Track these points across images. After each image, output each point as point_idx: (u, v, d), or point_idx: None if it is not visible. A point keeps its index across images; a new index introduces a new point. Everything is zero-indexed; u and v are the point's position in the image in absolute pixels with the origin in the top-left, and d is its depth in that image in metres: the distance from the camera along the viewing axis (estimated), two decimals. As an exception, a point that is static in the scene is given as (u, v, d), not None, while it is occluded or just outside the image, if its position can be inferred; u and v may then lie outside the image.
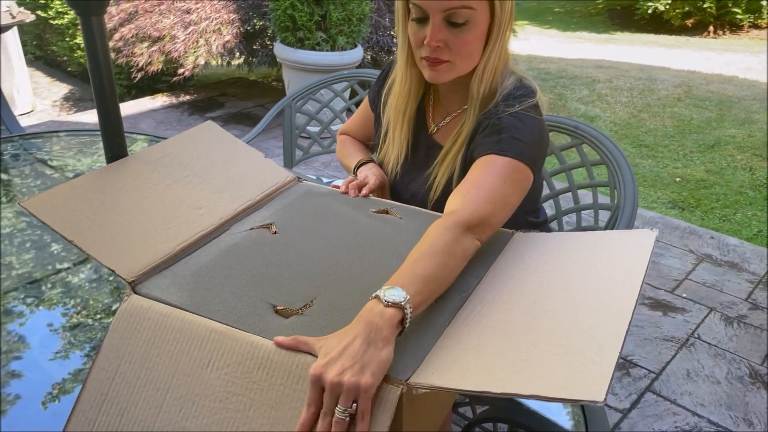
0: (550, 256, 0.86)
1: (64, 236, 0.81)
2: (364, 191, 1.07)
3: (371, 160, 1.25)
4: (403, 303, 0.71)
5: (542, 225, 1.30)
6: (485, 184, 0.94)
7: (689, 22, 7.39)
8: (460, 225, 0.85)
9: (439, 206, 1.02)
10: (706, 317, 2.35)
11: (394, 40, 4.28)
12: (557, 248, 0.88)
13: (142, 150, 1.02)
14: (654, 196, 3.38)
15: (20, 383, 0.91)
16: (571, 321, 0.67)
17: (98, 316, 1.06)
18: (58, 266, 1.20)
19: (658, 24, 7.58)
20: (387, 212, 1.02)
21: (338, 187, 1.11)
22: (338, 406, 0.64)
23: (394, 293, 0.72)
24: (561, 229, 1.66)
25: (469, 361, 0.64)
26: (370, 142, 1.35)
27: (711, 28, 7.34)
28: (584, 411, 0.89)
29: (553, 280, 0.79)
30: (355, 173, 1.22)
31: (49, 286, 1.15)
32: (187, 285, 0.81)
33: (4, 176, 1.63)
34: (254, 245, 0.90)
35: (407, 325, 0.72)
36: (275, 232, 0.94)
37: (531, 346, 0.64)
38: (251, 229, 0.95)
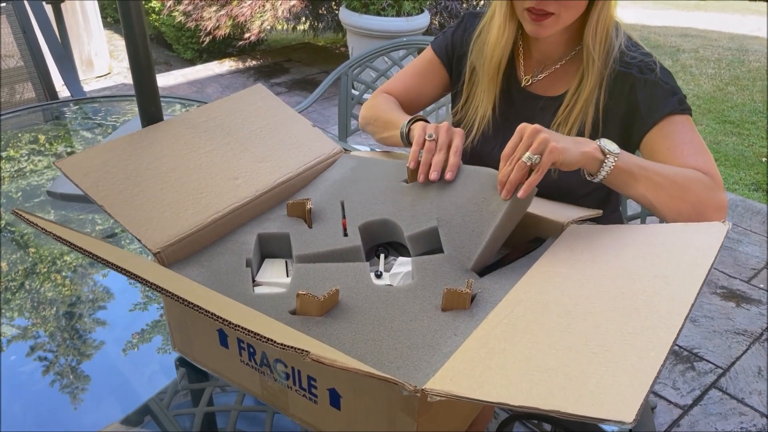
0: (603, 251, 0.77)
1: (94, 200, 0.80)
2: (452, 160, 0.92)
3: (425, 119, 1.11)
4: (610, 151, 0.86)
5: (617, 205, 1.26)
6: (700, 142, 1.02)
7: (791, -13, 6.77)
8: (718, 182, 0.94)
9: None
10: (785, 311, 2.17)
11: (464, 5, 4.12)
12: (611, 242, 0.79)
13: (186, 112, 1.00)
14: (736, 176, 3.14)
15: (104, 330, 0.96)
16: (611, 325, 0.60)
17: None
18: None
19: (755, -11, 7.00)
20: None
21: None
22: (527, 153, 0.80)
23: (610, 145, 0.86)
24: (625, 215, 1.55)
25: (491, 368, 0.58)
26: (412, 113, 1.17)
27: (816, -6, 6.71)
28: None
29: (601, 278, 0.70)
30: (407, 135, 1.08)
31: (128, 240, 1.18)
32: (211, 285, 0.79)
33: (64, 139, 1.67)
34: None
35: (598, 176, 0.87)
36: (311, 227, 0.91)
37: (561, 354, 0.57)
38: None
